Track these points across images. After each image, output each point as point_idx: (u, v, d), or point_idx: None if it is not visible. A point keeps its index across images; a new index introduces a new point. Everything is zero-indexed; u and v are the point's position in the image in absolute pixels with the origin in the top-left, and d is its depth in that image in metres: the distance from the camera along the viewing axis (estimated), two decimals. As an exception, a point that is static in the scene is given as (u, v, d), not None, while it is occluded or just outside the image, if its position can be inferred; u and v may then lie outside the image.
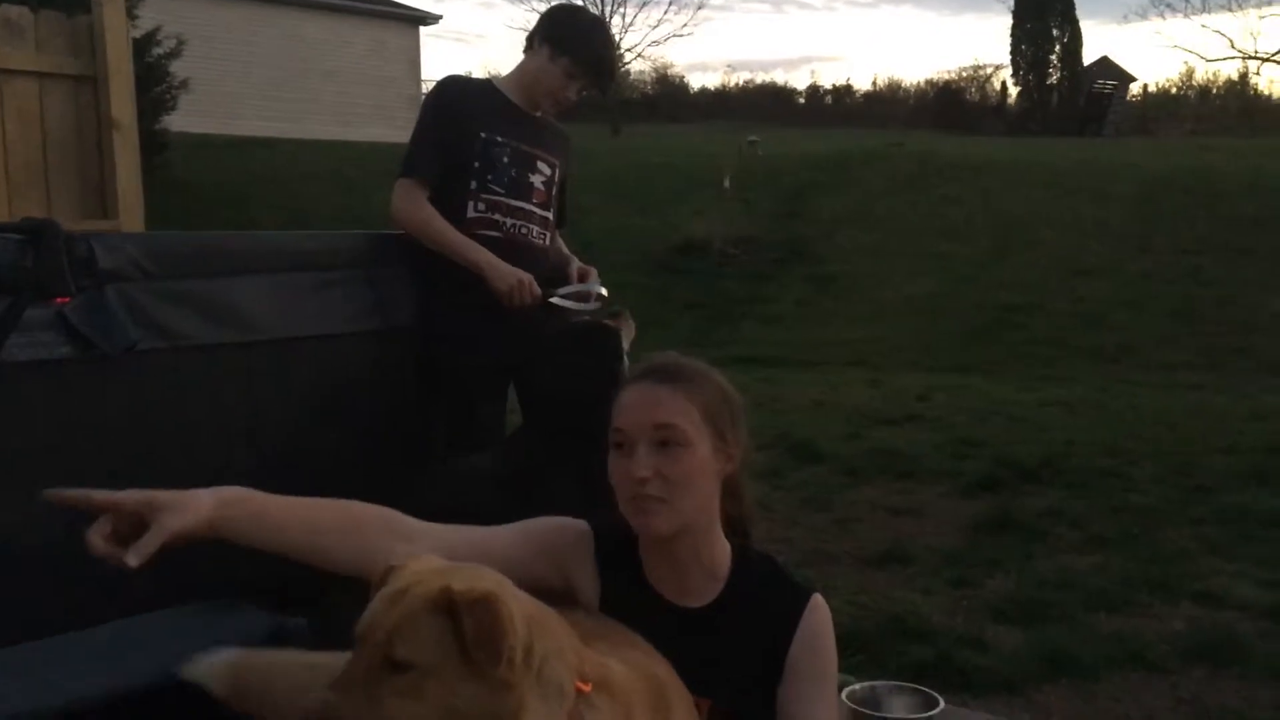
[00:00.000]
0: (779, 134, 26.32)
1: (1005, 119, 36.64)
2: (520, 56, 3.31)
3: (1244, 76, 39.64)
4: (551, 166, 3.32)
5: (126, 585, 2.59)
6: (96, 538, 1.70)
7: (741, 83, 54.42)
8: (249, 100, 20.02)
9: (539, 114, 3.26)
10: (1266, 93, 40.66)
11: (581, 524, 1.82)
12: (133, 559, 1.67)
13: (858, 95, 47.39)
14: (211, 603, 2.56)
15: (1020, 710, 3.39)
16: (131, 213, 3.84)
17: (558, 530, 1.81)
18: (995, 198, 14.61)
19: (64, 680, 2.15)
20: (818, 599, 1.81)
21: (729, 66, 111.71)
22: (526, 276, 3.07)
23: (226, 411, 2.80)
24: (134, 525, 1.72)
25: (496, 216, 3.16)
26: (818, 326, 11.80)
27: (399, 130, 21.68)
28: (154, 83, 14.65)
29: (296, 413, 2.94)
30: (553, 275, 3.26)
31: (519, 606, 1.36)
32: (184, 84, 15.88)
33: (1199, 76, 43.34)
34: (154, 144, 13.00)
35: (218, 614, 2.51)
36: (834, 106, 45.99)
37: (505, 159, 3.18)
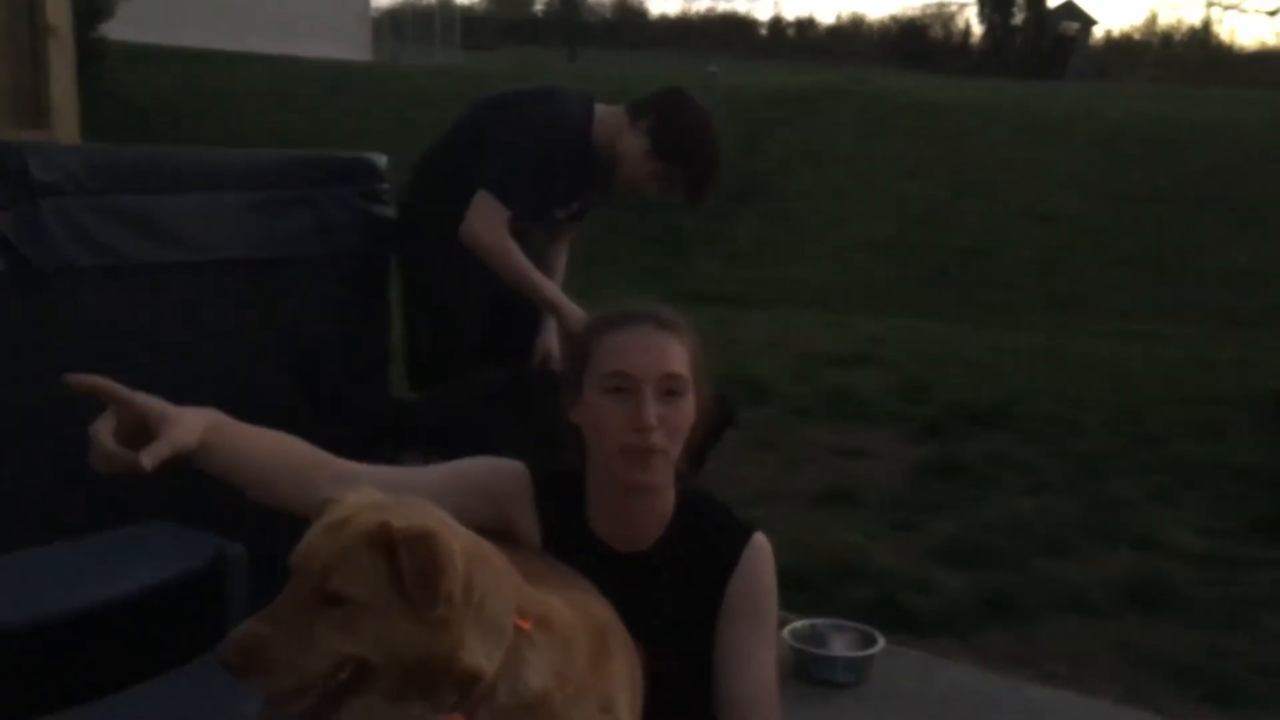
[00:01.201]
0: (740, 66, 26.08)
1: (969, 58, 36.59)
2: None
3: (1207, 24, 39.81)
4: (586, 204, 3.30)
5: (64, 508, 2.57)
6: (105, 434, 1.63)
7: (702, 11, 53.87)
8: (191, 10, 19.41)
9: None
10: (1229, 42, 40.87)
11: (518, 466, 1.78)
12: (147, 460, 1.61)
13: (820, 29, 47.14)
14: (150, 526, 2.52)
15: (960, 651, 3.43)
16: (67, 124, 3.70)
17: (494, 471, 1.77)
18: (956, 140, 14.58)
19: (8, 599, 2.12)
20: (759, 538, 1.78)
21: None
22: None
23: (165, 332, 2.74)
24: (134, 430, 1.66)
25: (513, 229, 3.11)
26: (774, 266, 11.78)
27: (345, 47, 21.25)
28: (91, -12, 14.19)
29: (236, 335, 2.88)
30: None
31: (459, 543, 1.34)
32: (123, -10, 15.39)
33: (1162, 22, 43.46)
34: (91, 53, 12.56)
35: (157, 538, 2.48)
36: (796, 40, 45.74)
37: (561, 212, 3.20)
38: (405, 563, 1.28)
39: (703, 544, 1.75)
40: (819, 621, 3.39)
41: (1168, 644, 3.51)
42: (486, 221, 2.95)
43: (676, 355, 1.67)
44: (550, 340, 3.30)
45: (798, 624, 3.34)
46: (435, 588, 1.28)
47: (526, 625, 1.39)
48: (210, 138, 11.92)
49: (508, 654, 1.36)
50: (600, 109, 3.12)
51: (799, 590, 3.78)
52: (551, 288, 3.07)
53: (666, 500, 1.75)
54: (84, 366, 2.60)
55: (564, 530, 1.70)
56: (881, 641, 3.25)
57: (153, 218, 2.68)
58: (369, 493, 1.44)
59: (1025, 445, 5.68)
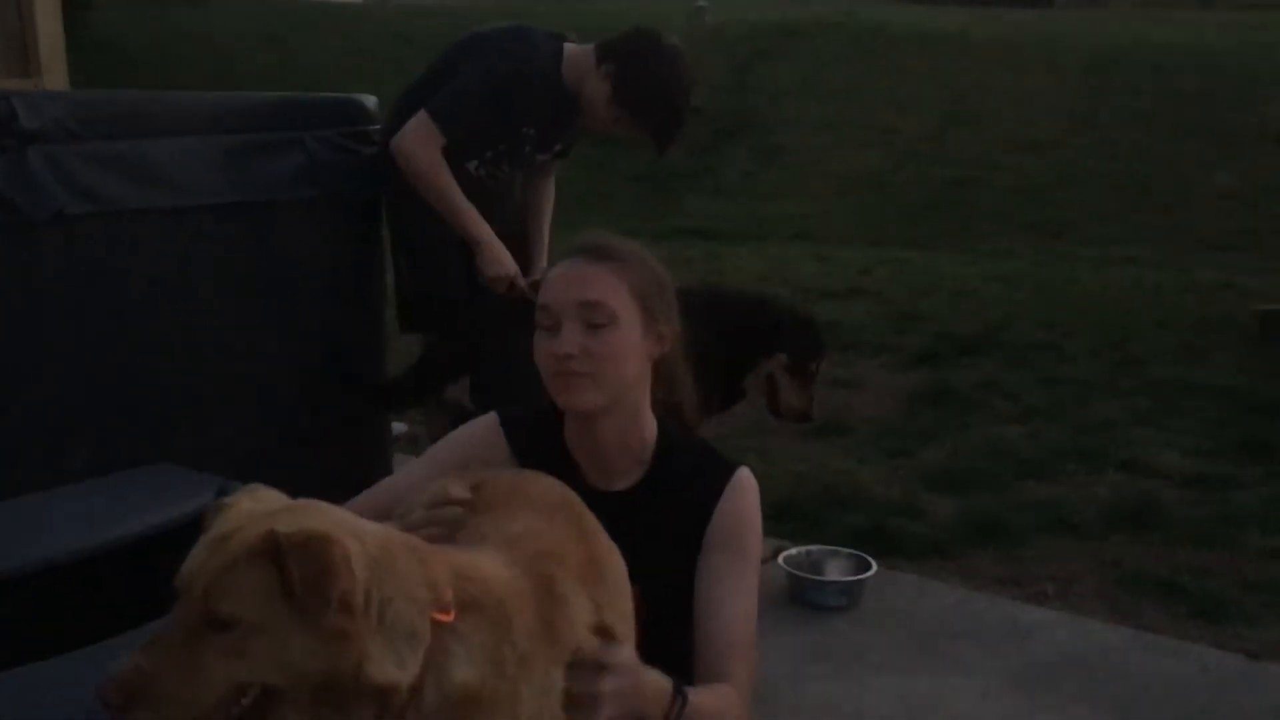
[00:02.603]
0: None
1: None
2: None
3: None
4: (566, 143, 3.28)
5: (62, 454, 2.59)
6: None
7: (691, -55, 53.07)
8: (177, -45, 19.09)
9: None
10: (1217, -34, 40.41)
11: (489, 420, 1.80)
12: None
13: (810, -39, 46.44)
14: (152, 468, 2.55)
15: (950, 574, 3.50)
16: (54, 70, 3.67)
17: (466, 442, 1.80)
18: (944, 70, 14.47)
19: (11, 544, 2.15)
20: (743, 473, 1.78)
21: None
22: (515, 272, 3.03)
23: (157, 278, 2.75)
24: None
25: (488, 174, 3.14)
26: (763, 200, 11.74)
27: (336, -13, 20.84)
28: (76, -67, 13.93)
29: (228, 280, 2.89)
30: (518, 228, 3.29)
31: (357, 546, 1.22)
32: (109, -66, 15.13)
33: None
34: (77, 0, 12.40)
35: (159, 480, 2.51)
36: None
37: (529, 146, 3.16)
38: (294, 570, 1.15)
39: (687, 484, 1.75)
40: (813, 548, 3.45)
41: (1153, 563, 3.58)
42: (417, 138, 2.95)
43: (600, 284, 1.66)
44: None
45: (792, 550, 3.40)
46: (325, 592, 1.15)
47: (448, 617, 1.28)
48: (198, 82, 11.78)
49: (429, 654, 1.25)
50: (570, 49, 3.07)
51: (793, 518, 3.85)
52: (477, 220, 3.02)
53: (640, 434, 1.75)
54: (77, 313, 2.62)
55: (545, 469, 1.67)
56: (874, 566, 3.32)
57: (142, 163, 2.68)
58: (263, 494, 1.32)
59: (1013, 372, 5.73)
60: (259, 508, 1.27)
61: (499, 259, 3.02)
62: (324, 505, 1.31)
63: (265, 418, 2.97)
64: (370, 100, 3.22)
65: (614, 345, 1.65)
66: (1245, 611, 3.26)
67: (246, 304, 2.93)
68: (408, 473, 1.81)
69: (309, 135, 2.99)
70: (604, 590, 1.49)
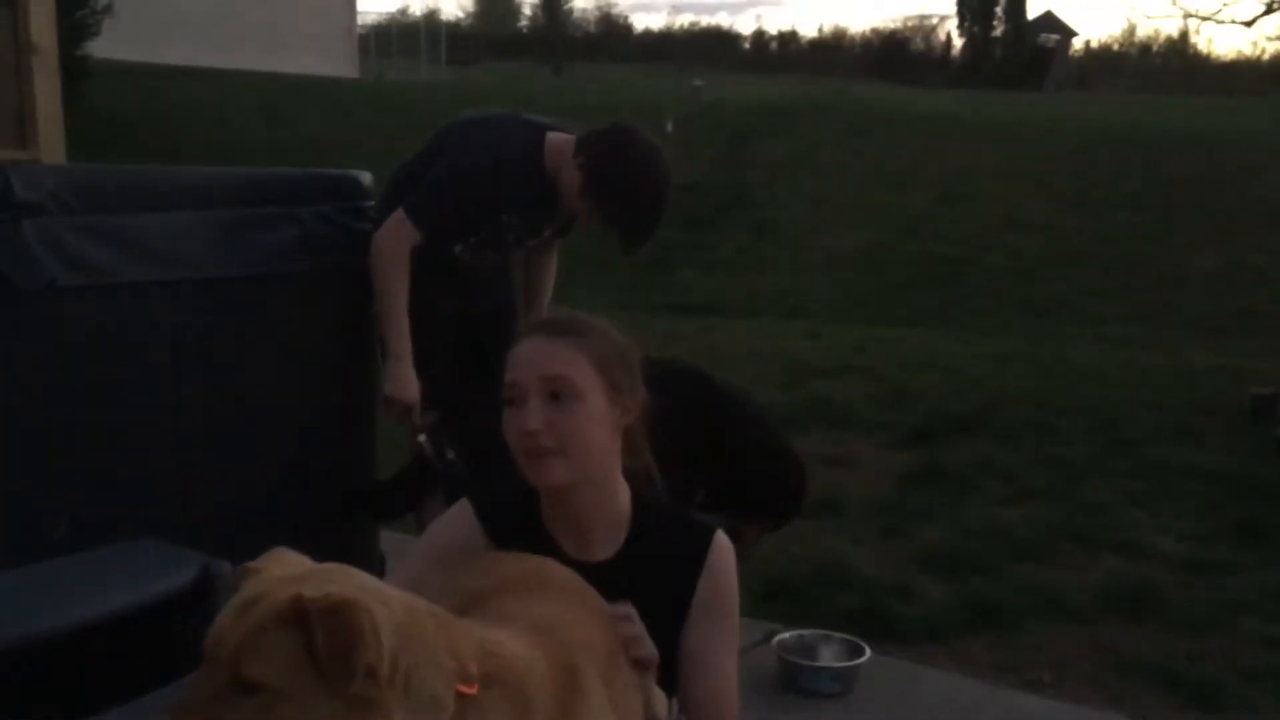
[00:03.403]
0: (723, 79, 26.16)
1: (949, 70, 36.82)
2: None
3: (1184, 35, 40.13)
4: (553, 229, 3.27)
5: (48, 526, 2.56)
6: None
7: (686, 25, 54.14)
8: (176, 27, 19.37)
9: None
10: (1206, 52, 41.29)
11: (460, 508, 1.81)
12: None
13: (803, 42, 47.35)
14: (136, 542, 2.52)
15: (944, 659, 3.45)
16: (51, 143, 3.69)
17: (442, 533, 1.81)
18: (936, 150, 14.67)
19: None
20: (720, 537, 1.81)
21: (673, 7, 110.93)
22: (413, 402, 3.01)
23: (149, 352, 2.74)
24: None
25: (473, 257, 3.12)
26: (757, 275, 11.81)
27: (332, 63, 21.21)
28: (76, 5, 14.12)
29: (222, 354, 2.88)
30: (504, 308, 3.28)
31: (385, 613, 1.22)
32: (108, 8, 15.25)
33: (1140, 33, 43.81)
34: (76, 71, 12.54)
35: (143, 555, 2.48)
36: (779, 53, 45.94)
37: (512, 233, 3.15)
38: (319, 636, 1.16)
39: (665, 548, 1.77)
40: (806, 633, 3.40)
41: (1150, 649, 3.54)
42: (389, 234, 2.96)
43: (562, 358, 1.68)
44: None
45: (785, 635, 3.35)
46: (351, 661, 1.16)
47: (473, 690, 1.28)
48: (196, 155, 11.92)
49: None
50: (553, 138, 3.03)
51: (784, 598, 3.80)
52: (401, 338, 2.98)
53: (615, 503, 1.77)
54: (65, 385, 2.61)
55: (524, 546, 1.69)
56: (868, 652, 3.27)
57: (137, 236, 2.68)
58: (289, 558, 1.33)
59: (1006, 452, 5.71)
60: (286, 572, 1.28)
61: (401, 383, 2.99)
62: (351, 570, 1.31)
63: (252, 495, 2.94)
64: (365, 176, 3.23)
65: (579, 418, 1.67)
66: (1244, 700, 3.21)
67: (237, 379, 2.91)
68: (402, 570, 1.80)
69: (304, 210, 3.00)
70: (620, 681, 1.50)
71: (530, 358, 1.70)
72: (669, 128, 14.72)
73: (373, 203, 3.19)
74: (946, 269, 11.57)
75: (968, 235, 12.30)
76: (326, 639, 1.15)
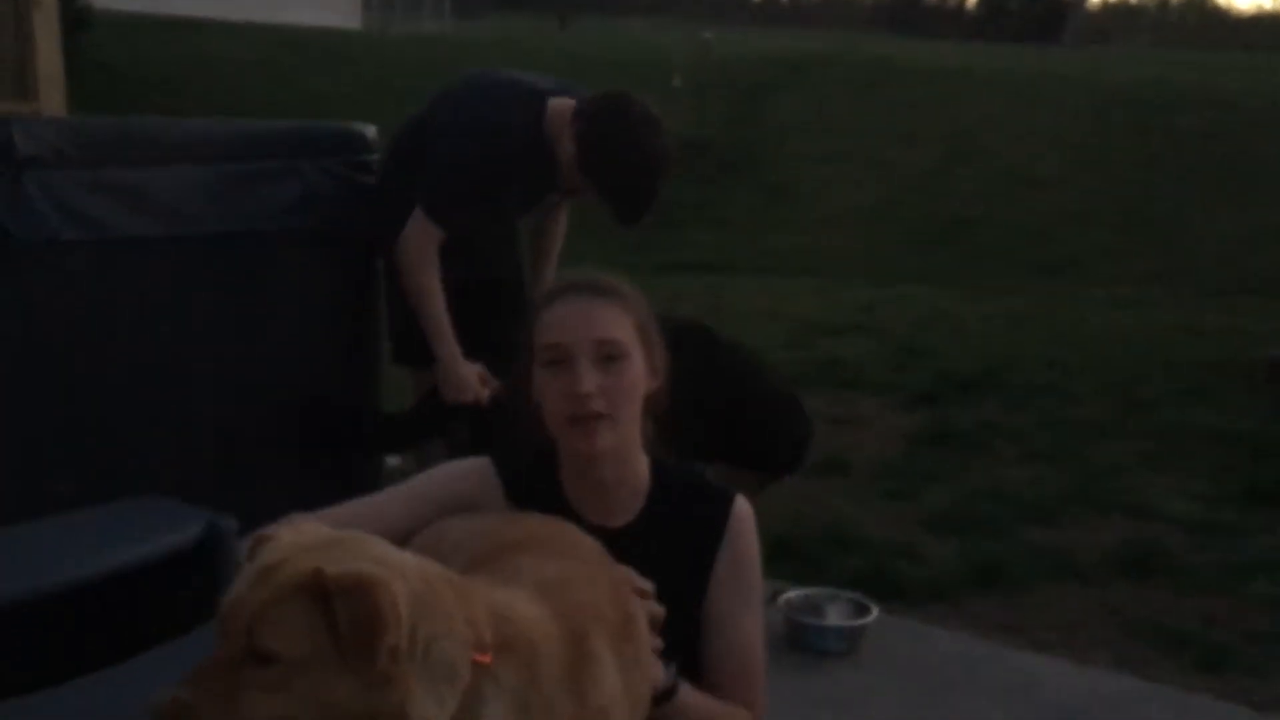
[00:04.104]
0: (733, 32, 25.93)
1: (963, 23, 36.45)
2: None
3: (1204, -12, 39.67)
4: (557, 195, 3.20)
5: (54, 482, 2.56)
6: None
7: (696, -24, 53.64)
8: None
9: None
10: (1226, 6, 40.83)
11: (480, 462, 1.77)
12: None
13: (815, -7, 46.91)
14: (142, 500, 2.52)
15: (951, 619, 3.45)
16: (52, 95, 3.66)
17: (457, 479, 1.77)
18: (949, 105, 14.54)
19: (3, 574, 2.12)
20: (741, 502, 1.79)
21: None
22: (474, 395, 2.96)
23: (151, 307, 2.73)
24: None
25: (476, 229, 3.06)
26: (765, 234, 11.76)
27: (335, 15, 21.02)
28: (76, -45, 14.00)
29: (223, 309, 2.87)
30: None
31: (404, 587, 1.21)
32: (109, -43, 15.21)
33: (1161, -13, 43.34)
34: (76, 22, 12.45)
35: (149, 512, 2.48)
36: (789, 5, 45.49)
37: (516, 207, 3.12)
38: (341, 616, 1.15)
39: (685, 516, 1.75)
40: (813, 591, 3.40)
41: (1158, 611, 3.53)
42: (416, 245, 2.90)
43: (611, 321, 1.66)
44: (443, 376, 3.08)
45: (792, 594, 3.35)
46: (373, 643, 1.15)
47: (487, 659, 1.27)
48: (196, 107, 11.87)
49: (466, 694, 1.25)
50: (555, 105, 2.93)
51: (792, 560, 3.79)
52: (448, 339, 2.95)
53: (637, 470, 1.75)
54: (67, 339, 2.60)
55: (542, 511, 1.68)
56: (875, 611, 3.26)
57: (138, 190, 2.66)
58: (306, 527, 1.31)
59: (1016, 413, 5.68)
60: (302, 540, 1.27)
61: (458, 386, 2.96)
62: (367, 539, 1.30)
63: (256, 449, 2.94)
64: (369, 130, 3.20)
65: (629, 381, 1.66)
66: (1251, 662, 3.20)
67: (240, 334, 2.90)
68: (373, 502, 1.77)
69: (307, 164, 2.97)
70: (630, 649, 1.48)
71: (578, 320, 1.65)
72: (677, 83, 14.62)
73: (376, 156, 3.16)
74: (957, 227, 11.49)
75: (979, 193, 12.21)
76: (349, 620, 1.15)
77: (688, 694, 1.63)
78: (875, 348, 7.06)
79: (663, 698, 1.58)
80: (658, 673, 1.58)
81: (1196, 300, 8.99)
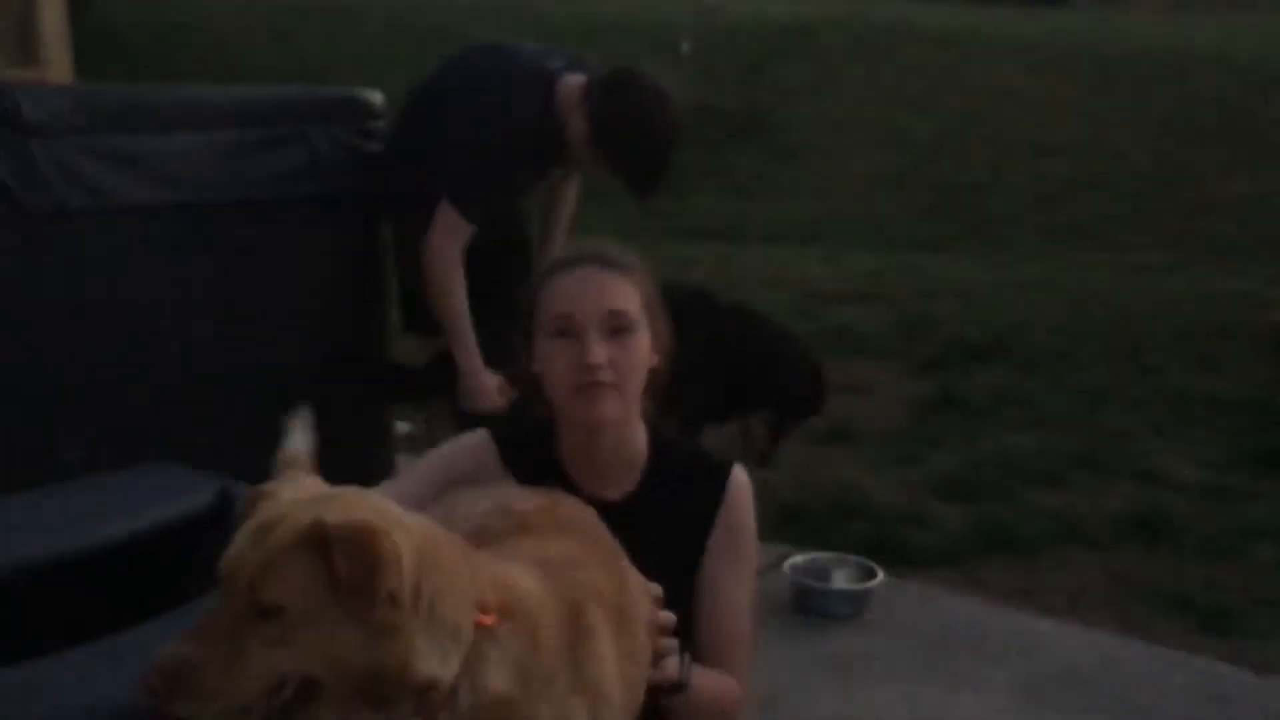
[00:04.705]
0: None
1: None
2: None
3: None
4: (564, 170, 3.21)
5: (63, 450, 2.58)
6: None
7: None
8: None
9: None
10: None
11: (480, 436, 1.78)
12: None
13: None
14: (154, 465, 2.54)
15: (958, 584, 3.47)
16: (58, 62, 3.65)
17: (458, 456, 1.77)
18: (961, 70, 14.41)
19: (13, 541, 2.13)
20: (739, 473, 1.79)
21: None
22: (495, 405, 2.95)
23: (158, 275, 2.73)
24: None
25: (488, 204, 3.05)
26: (774, 200, 11.70)
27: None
28: (82, -80, 13.92)
29: (230, 277, 2.87)
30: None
31: (406, 538, 1.21)
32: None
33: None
34: (82, -11, 12.39)
35: (160, 478, 2.49)
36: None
37: (526, 184, 3.13)
38: (340, 562, 1.15)
39: (684, 486, 1.76)
40: (819, 555, 3.42)
41: (1164, 575, 3.55)
42: (445, 258, 2.89)
43: (621, 293, 1.66)
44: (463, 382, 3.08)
45: (798, 558, 3.37)
46: (372, 588, 1.15)
47: (489, 620, 1.27)
48: (201, 73, 11.83)
49: (469, 654, 1.25)
50: (563, 85, 2.93)
51: (799, 525, 3.82)
52: (472, 350, 2.95)
53: (636, 443, 1.75)
54: (76, 308, 2.60)
55: (540, 483, 1.68)
56: (881, 575, 3.28)
57: (145, 158, 2.66)
58: (304, 481, 1.32)
59: (1025, 379, 5.68)
60: (301, 494, 1.26)
61: (476, 397, 2.97)
62: (368, 493, 1.30)
63: (266, 417, 2.94)
64: (375, 95, 3.19)
65: (636, 354, 1.66)
66: (1255, 626, 3.22)
67: (248, 301, 2.90)
68: (390, 487, 1.76)
69: (313, 130, 2.96)
70: (628, 632, 1.48)
71: (590, 291, 1.65)
72: (685, 48, 14.51)
73: (383, 122, 3.15)
74: (967, 194, 11.42)
75: (989, 159, 12.12)
76: (347, 565, 1.14)
77: (698, 679, 1.64)
78: (884, 315, 7.05)
79: (676, 690, 1.59)
80: (673, 669, 1.59)
81: (1207, 266, 8.94)
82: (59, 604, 2.15)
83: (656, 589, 1.60)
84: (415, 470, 1.79)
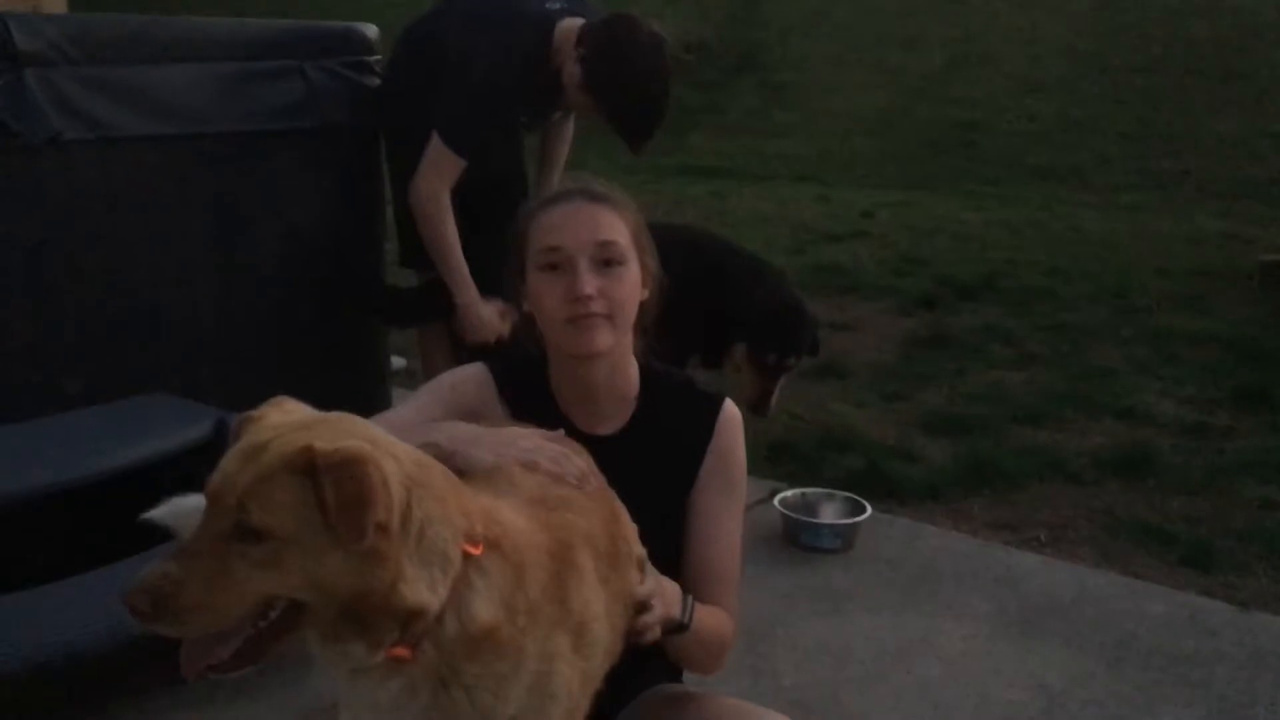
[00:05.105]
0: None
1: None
2: None
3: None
4: (561, 113, 3.22)
5: (60, 380, 2.59)
6: None
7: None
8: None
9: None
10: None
11: (477, 369, 1.78)
12: None
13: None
14: (151, 397, 2.56)
15: (943, 518, 3.52)
16: (52, -8, 3.62)
17: (454, 388, 1.77)
18: (951, 9, 14.28)
19: (15, 470, 2.16)
20: (729, 407, 1.79)
21: None
22: (495, 334, 2.98)
23: (153, 206, 2.74)
24: None
25: (485, 140, 3.04)
26: (768, 138, 11.65)
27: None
28: None
29: (226, 209, 2.88)
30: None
31: (394, 466, 1.20)
32: None
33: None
34: (76, -81, 12.19)
35: (158, 409, 2.52)
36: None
37: (524, 122, 3.13)
38: (329, 490, 1.13)
39: (675, 419, 1.76)
40: (808, 490, 3.47)
41: (1145, 510, 3.60)
42: (433, 194, 2.91)
43: (609, 224, 1.66)
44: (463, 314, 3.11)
45: (788, 493, 3.42)
46: (361, 518, 1.13)
47: (477, 550, 1.26)
48: (197, 6, 11.64)
49: (455, 583, 1.24)
50: (563, 26, 2.93)
51: (788, 460, 3.86)
52: (467, 285, 2.97)
53: (628, 377, 1.75)
54: (72, 239, 2.61)
55: (534, 418, 1.67)
56: (869, 509, 3.34)
57: (139, 89, 2.65)
58: (291, 406, 1.29)
59: (1012, 318, 5.73)
60: (289, 419, 1.25)
61: (477, 327, 2.99)
62: (357, 420, 1.28)
63: (261, 348, 2.97)
64: (371, 30, 3.17)
65: (626, 285, 1.65)
66: (1235, 560, 3.28)
67: (244, 234, 2.91)
68: (388, 418, 1.74)
69: (309, 64, 2.95)
70: (618, 581, 1.48)
71: (579, 223, 1.65)
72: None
73: (379, 57, 3.14)
74: (959, 133, 11.38)
75: (982, 98, 12.06)
76: (336, 494, 1.13)
77: (697, 616, 1.64)
78: (875, 253, 7.07)
79: (678, 630, 1.60)
80: (675, 608, 1.59)
81: (1195, 206, 8.96)
82: (58, 532, 2.18)
83: (641, 551, 1.57)
84: (416, 400, 1.78)
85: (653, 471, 1.70)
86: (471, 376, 1.78)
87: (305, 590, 1.16)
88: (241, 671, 1.20)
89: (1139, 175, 10.14)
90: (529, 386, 1.75)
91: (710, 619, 1.68)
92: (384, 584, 1.17)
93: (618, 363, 1.72)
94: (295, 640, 1.22)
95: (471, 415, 1.70)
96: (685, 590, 1.67)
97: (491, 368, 1.78)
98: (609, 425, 1.74)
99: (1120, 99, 11.77)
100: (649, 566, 1.54)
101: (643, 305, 1.72)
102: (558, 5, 2.98)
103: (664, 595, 1.56)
